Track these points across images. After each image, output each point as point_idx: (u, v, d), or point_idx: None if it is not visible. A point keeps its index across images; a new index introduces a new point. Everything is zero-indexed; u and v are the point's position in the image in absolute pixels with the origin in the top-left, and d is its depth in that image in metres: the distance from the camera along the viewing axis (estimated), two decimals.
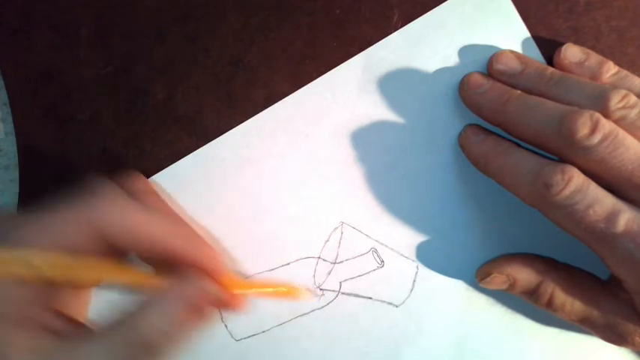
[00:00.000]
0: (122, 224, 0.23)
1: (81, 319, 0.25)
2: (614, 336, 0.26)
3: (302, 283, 0.30)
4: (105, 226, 0.22)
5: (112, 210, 0.23)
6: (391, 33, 0.29)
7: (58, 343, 0.22)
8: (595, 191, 0.24)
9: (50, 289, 0.23)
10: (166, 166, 0.30)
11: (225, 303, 0.25)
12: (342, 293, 0.30)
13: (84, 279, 0.23)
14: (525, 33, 0.29)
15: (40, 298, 0.23)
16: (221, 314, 0.30)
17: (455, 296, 0.30)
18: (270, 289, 0.29)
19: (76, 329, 0.24)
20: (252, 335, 0.30)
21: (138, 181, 0.29)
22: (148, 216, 0.24)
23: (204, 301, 0.24)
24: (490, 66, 0.28)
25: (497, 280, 0.28)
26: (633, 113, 0.25)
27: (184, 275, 0.24)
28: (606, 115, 0.25)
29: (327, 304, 0.30)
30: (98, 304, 0.28)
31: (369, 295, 0.30)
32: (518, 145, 0.27)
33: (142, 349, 0.22)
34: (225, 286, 0.25)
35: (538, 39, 0.29)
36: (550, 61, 0.29)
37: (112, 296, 0.27)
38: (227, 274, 0.26)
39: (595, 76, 0.27)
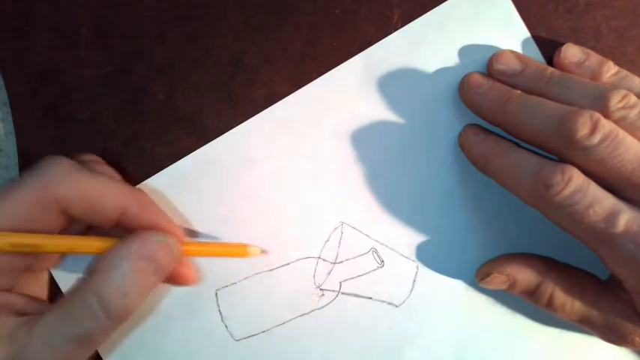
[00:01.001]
0: (76, 192, 0.23)
1: (42, 297, 0.25)
2: (614, 336, 0.26)
3: (302, 283, 0.30)
4: (60, 197, 0.22)
5: (66, 182, 0.23)
6: (391, 33, 0.29)
7: (17, 320, 0.23)
8: (595, 191, 0.24)
9: (10, 271, 0.23)
10: (166, 166, 0.30)
11: (179, 259, 0.25)
12: (342, 293, 0.30)
13: (45, 253, 0.23)
14: (525, 33, 0.29)
15: (1, 281, 0.23)
16: (220, 314, 0.30)
17: (455, 296, 0.30)
18: (220, 249, 0.29)
19: (38, 306, 0.24)
20: (252, 335, 0.30)
21: (88, 158, 0.29)
22: (101, 182, 0.24)
23: (162, 255, 0.24)
24: (490, 66, 0.28)
25: (497, 280, 0.28)
26: (633, 113, 0.25)
27: (138, 233, 0.24)
28: (606, 115, 0.25)
29: (327, 304, 0.30)
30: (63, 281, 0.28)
31: (369, 295, 0.30)
32: (518, 145, 0.27)
33: (99, 312, 0.22)
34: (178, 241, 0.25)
35: (538, 39, 0.29)
36: (550, 61, 0.29)
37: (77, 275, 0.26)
38: (180, 234, 0.26)
39: (595, 76, 0.27)
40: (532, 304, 0.28)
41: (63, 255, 0.28)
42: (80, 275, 0.24)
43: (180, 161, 0.30)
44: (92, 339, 0.23)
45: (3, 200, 0.22)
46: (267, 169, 0.30)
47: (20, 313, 0.23)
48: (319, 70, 0.30)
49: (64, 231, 0.25)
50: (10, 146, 0.31)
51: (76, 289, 0.23)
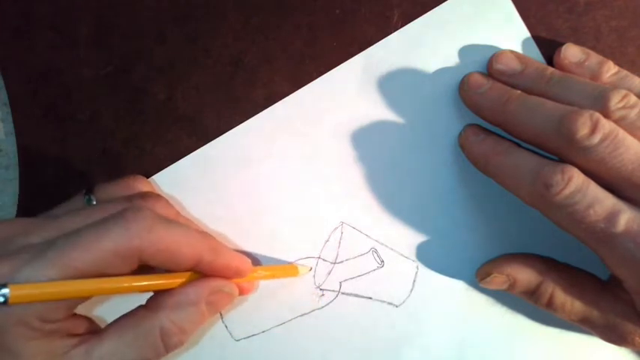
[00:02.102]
0: (158, 246, 0.23)
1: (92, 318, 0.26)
2: (614, 336, 0.26)
3: (302, 283, 0.30)
4: (142, 250, 0.23)
5: (150, 236, 0.23)
6: (391, 33, 0.29)
7: (73, 342, 0.23)
8: (595, 191, 0.24)
9: (74, 306, 0.24)
10: (166, 166, 0.30)
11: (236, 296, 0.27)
12: (342, 293, 0.30)
13: (111, 292, 0.24)
14: (525, 33, 0.29)
15: (63, 314, 0.23)
16: (220, 314, 0.30)
17: (455, 296, 0.30)
18: (272, 273, 0.29)
19: (91, 327, 0.25)
20: (252, 335, 0.30)
21: (140, 183, 0.29)
22: (180, 234, 0.24)
23: (224, 303, 0.26)
24: (490, 66, 0.28)
25: (498, 280, 0.28)
26: (633, 113, 0.25)
27: (208, 279, 0.26)
28: (606, 115, 0.24)
29: (327, 304, 0.30)
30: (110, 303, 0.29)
31: (369, 295, 0.30)
32: (518, 145, 0.27)
33: (160, 345, 0.24)
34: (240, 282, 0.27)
35: (538, 39, 0.29)
36: (550, 61, 0.29)
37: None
38: (247, 268, 0.27)
39: (595, 76, 0.27)
40: (532, 304, 0.28)
41: None
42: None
43: (180, 161, 0.30)
44: None
45: (87, 248, 0.22)
46: (267, 169, 0.30)
47: (72, 334, 0.24)
48: (319, 70, 0.30)
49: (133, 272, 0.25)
50: (10, 146, 0.31)
51: (137, 319, 0.24)
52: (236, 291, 0.27)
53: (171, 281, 0.25)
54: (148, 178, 0.30)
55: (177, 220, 0.26)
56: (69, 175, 0.30)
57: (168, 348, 0.24)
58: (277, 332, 0.30)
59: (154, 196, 0.27)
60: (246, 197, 0.30)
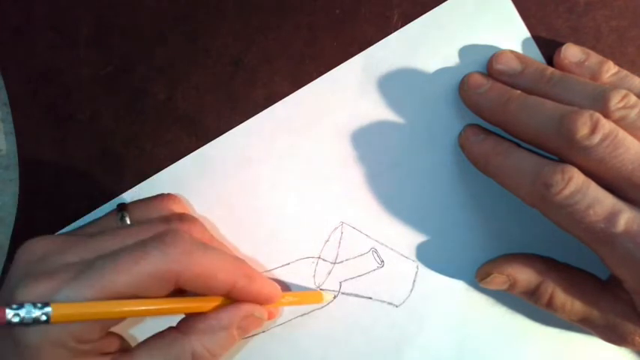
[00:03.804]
0: (194, 271, 0.23)
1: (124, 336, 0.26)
2: (614, 336, 0.26)
3: (302, 283, 0.30)
4: (179, 274, 0.23)
5: (188, 261, 0.23)
6: (391, 33, 0.29)
7: (102, 359, 0.23)
8: (595, 191, 0.24)
9: (109, 326, 0.24)
10: (166, 166, 0.30)
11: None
12: (342, 293, 0.30)
13: (148, 315, 0.25)
14: (525, 33, 0.29)
15: (98, 334, 0.23)
16: None
17: (455, 296, 0.30)
18: (300, 300, 0.29)
19: (121, 345, 0.25)
20: (252, 335, 0.30)
21: (173, 202, 0.29)
22: (216, 259, 0.24)
23: (254, 327, 0.26)
24: (490, 66, 0.28)
25: (498, 280, 0.28)
26: (633, 113, 0.25)
27: (241, 305, 0.26)
28: (606, 115, 0.24)
29: (327, 304, 0.30)
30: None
31: (369, 295, 0.30)
32: (518, 145, 0.27)
33: None
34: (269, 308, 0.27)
35: (538, 39, 0.29)
36: (550, 61, 0.29)
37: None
38: (277, 295, 0.27)
39: (595, 76, 0.27)
40: (532, 304, 0.28)
41: None
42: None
43: (180, 161, 0.30)
44: None
45: (126, 271, 0.22)
46: (267, 169, 0.30)
47: (103, 353, 0.24)
48: (319, 70, 0.30)
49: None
50: (10, 146, 0.31)
51: (169, 340, 0.24)
52: (266, 316, 0.27)
53: (205, 304, 0.25)
54: (147, 178, 0.30)
55: (212, 245, 0.26)
56: (69, 175, 0.30)
57: None
58: (277, 332, 0.30)
59: (190, 218, 0.27)
60: (246, 197, 0.30)
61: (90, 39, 0.30)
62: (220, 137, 0.30)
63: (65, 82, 0.30)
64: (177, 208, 0.28)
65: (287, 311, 0.30)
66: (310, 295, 0.30)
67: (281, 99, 0.30)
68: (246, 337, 0.30)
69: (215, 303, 0.25)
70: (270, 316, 0.28)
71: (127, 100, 0.30)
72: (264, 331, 0.30)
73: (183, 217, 0.27)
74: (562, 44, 0.28)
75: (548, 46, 0.29)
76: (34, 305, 0.21)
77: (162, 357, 0.24)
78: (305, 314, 0.30)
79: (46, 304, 0.21)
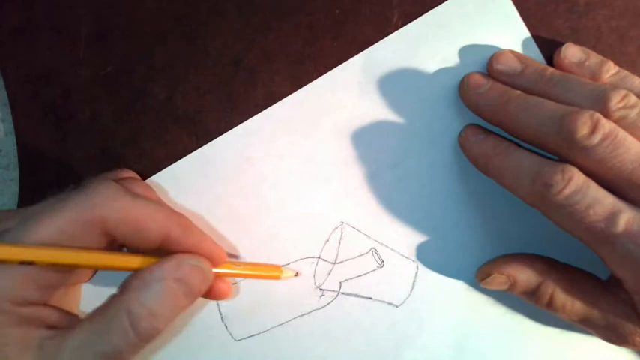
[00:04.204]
0: (122, 216, 0.23)
1: (74, 312, 0.25)
2: (615, 336, 0.26)
3: (302, 283, 0.30)
4: (105, 219, 0.23)
5: (113, 205, 0.23)
6: (391, 33, 0.29)
7: (48, 333, 0.23)
8: (595, 191, 0.24)
9: (45, 285, 0.24)
10: (166, 166, 0.30)
11: (211, 282, 0.25)
12: (342, 293, 0.30)
13: (81, 267, 0.24)
14: (525, 33, 0.29)
15: (35, 295, 0.23)
16: (220, 314, 0.30)
17: (455, 296, 0.30)
18: (254, 272, 0.28)
19: (69, 320, 0.24)
20: (252, 335, 0.30)
21: (127, 174, 0.29)
22: (146, 206, 0.24)
23: (195, 278, 0.24)
24: (490, 66, 0.28)
25: (498, 281, 0.28)
26: (633, 113, 0.25)
27: (174, 255, 0.24)
28: (606, 115, 0.24)
29: (327, 304, 0.30)
30: (92, 297, 0.28)
31: (369, 295, 0.30)
32: (518, 145, 0.27)
33: (129, 330, 0.23)
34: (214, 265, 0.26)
35: (538, 39, 0.29)
36: (550, 61, 0.29)
37: (105, 289, 0.27)
38: (222, 256, 0.26)
39: (595, 76, 0.27)
40: (532, 304, 0.28)
41: (96, 271, 0.28)
42: (108, 290, 0.25)
43: (180, 161, 0.30)
44: (120, 356, 0.23)
45: (48, 216, 0.22)
46: (267, 169, 0.30)
47: (51, 327, 0.23)
48: (319, 70, 0.30)
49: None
50: (10, 146, 0.31)
51: (107, 306, 0.23)
52: (207, 266, 0.25)
53: (139, 260, 0.24)
54: (147, 178, 0.30)
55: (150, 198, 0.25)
56: (69, 175, 0.30)
57: (138, 333, 0.23)
58: (277, 332, 0.30)
59: (133, 178, 0.27)
60: (245, 197, 0.30)
61: (90, 39, 0.30)
62: (220, 137, 0.30)
63: (65, 82, 0.30)
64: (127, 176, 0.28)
65: (287, 311, 0.30)
66: (267, 268, 0.29)
67: (281, 99, 0.30)
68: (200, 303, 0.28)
69: (153, 261, 0.24)
70: (223, 294, 0.27)
71: (127, 100, 0.30)
72: (264, 331, 0.30)
73: (128, 177, 0.27)
74: (562, 44, 0.28)
75: (548, 46, 0.29)
76: None
77: (101, 323, 0.23)
78: (305, 314, 0.30)
79: None
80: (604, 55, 0.28)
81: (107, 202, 0.23)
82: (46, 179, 0.30)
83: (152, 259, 0.24)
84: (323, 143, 0.30)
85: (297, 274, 0.30)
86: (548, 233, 0.29)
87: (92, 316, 0.23)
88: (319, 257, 0.30)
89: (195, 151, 0.30)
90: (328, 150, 0.30)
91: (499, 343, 0.30)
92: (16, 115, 0.30)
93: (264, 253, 0.30)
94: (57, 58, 0.30)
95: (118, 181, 0.26)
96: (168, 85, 0.30)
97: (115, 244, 0.25)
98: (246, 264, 0.29)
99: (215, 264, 0.26)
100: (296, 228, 0.30)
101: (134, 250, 0.25)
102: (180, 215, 0.25)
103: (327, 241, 0.30)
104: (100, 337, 0.23)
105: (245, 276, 0.29)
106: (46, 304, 0.24)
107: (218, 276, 0.27)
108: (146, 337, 0.23)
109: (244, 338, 0.30)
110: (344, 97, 0.30)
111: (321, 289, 0.30)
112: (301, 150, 0.30)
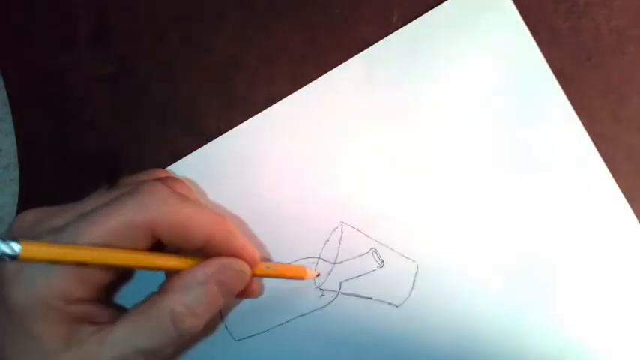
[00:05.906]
0: (170, 220, 0.23)
1: (114, 306, 0.26)
2: None
3: (302, 283, 0.30)
4: (155, 223, 0.23)
5: (163, 209, 0.23)
6: (391, 33, 0.29)
7: (91, 329, 0.23)
8: None
9: (94, 284, 0.24)
10: (166, 166, 0.30)
11: (248, 283, 0.26)
12: (342, 293, 0.30)
13: (130, 268, 0.25)
14: (525, 33, 0.29)
15: (83, 293, 0.23)
16: (221, 314, 0.30)
17: (455, 296, 0.30)
18: (283, 273, 0.29)
19: (110, 315, 0.25)
20: (252, 335, 0.30)
21: (164, 174, 0.29)
22: (193, 211, 0.24)
23: (235, 282, 0.25)
24: None
25: None
26: None
27: (216, 258, 0.25)
28: None
29: (327, 304, 0.30)
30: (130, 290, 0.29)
31: (369, 295, 0.30)
32: None
33: (171, 329, 0.23)
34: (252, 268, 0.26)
35: (538, 39, 0.29)
36: (549, 61, 0.29)
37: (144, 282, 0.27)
38: (256, 258, 0.26)
39: None
40: (532, 304, 0.28)
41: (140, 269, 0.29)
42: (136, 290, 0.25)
43: (180, 161, 0.30)
44: (160, 354, 0.24)
45: (102, 218, 0.23)
46: (267, 169, 0.30)
47: (94, 322, 0.24)
48: (319, 70, 0.30)
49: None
50: (10, 146, 0.31)
51: (148, 304, 0.24)
52: (247, 270, 0.26)
53: (183, 262, 0.25)
54: None
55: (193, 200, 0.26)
56: (69, 175, 0.30)
57: (180, 332, 0.24)
58: (277, 332, 0.30)
59: (173, 177, 0.27)
60: (246, 197, 0.30)
61: (90, 39, 0.30)
62: (220, 137, 0.30)
63: (65, 82, 0.30)
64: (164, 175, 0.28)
65: (287, 311, 0.30)
66: (293, 269, 0.29)
67: (281, 99, 0.30)
68: (234, 303, 0.30)
69: (193, 262, 0.25)
70: (252, 293, 0.27)
71: (127, 100, 0.30)
72: (264, 331, 0.30)
73: (166, 177, 0.27)
74: (562, 44, 0.28)
75: (548, 46, 0.29)
76: (3, 241, 0.21)
77: (143, 321, 0.23)
78: (305, 314, 0.30)
79: (14, 240, 0.21)
80: (604, 55, 0.28)
81: (158, 207, 0.23)
82: (46, 179, 0.30)
83: (194, 261, 0.25)
84: (323, 143, 0.30)
85: (318, 275, 0.30)
86: (549, 233, 0.29)
87: (133, 313, 0.24)
88: (319, 257, 0.30)
89: (195, 151, 0.30)
90: (328, 150, 0.30)
91: (499, 343, 0.30)
92: (16, 115, 0.30)
93: (265, 253, 0.30)
94: (57, 58, 0.30)
95: (162, 181, 0.26)
96: (168, 85, 0.30)
97: (158, 245, 0.25)
98: (274, 265, 0.29)
99: (251, 266, 0.26)
100: (296, 228, 0.30)
101: (175, 251, 0.25)
102: (222, 218, 0.26)
103: (327, 241, 0.30)
104: (141, 333, 0.23)
105: (276, 277, 0.29)
106: (91, 301, 0.24)
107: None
108: (186, 334, 0.24)
109: (244, 338, 0.30)
110: (344, 97, 0.30)
111: (321, 289, 0.30)
112: (301, 150, 0.30)
